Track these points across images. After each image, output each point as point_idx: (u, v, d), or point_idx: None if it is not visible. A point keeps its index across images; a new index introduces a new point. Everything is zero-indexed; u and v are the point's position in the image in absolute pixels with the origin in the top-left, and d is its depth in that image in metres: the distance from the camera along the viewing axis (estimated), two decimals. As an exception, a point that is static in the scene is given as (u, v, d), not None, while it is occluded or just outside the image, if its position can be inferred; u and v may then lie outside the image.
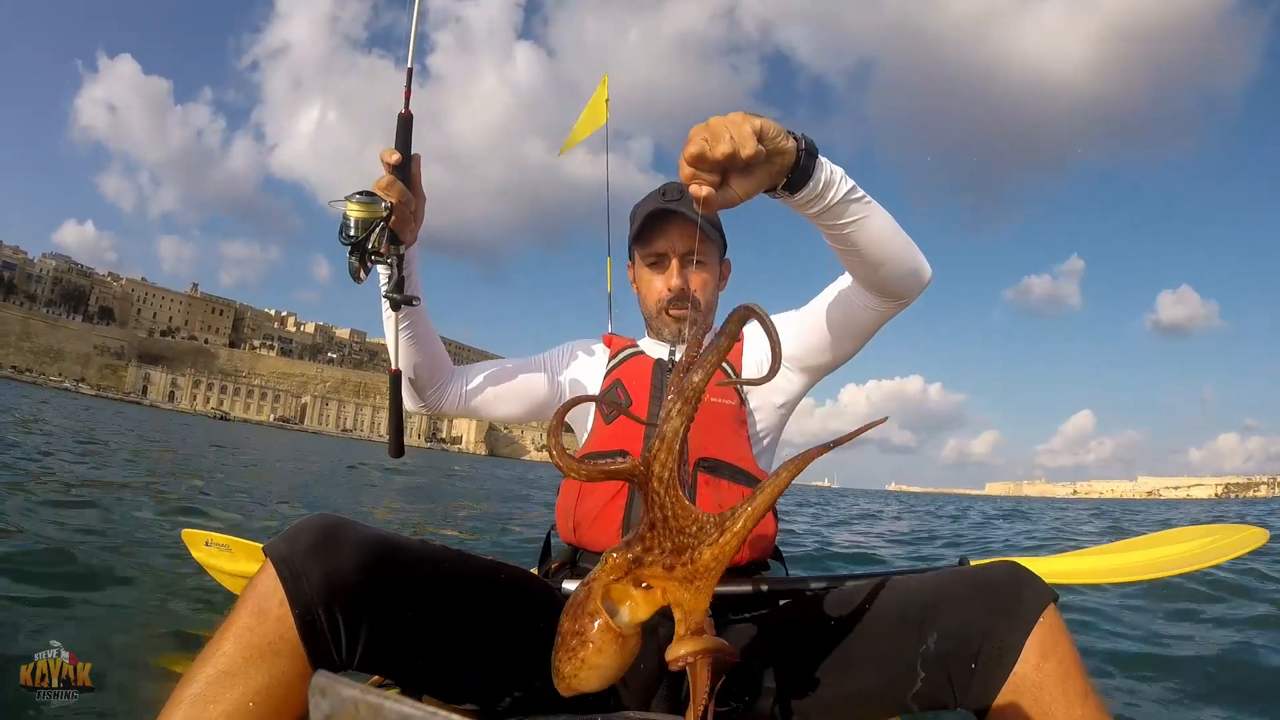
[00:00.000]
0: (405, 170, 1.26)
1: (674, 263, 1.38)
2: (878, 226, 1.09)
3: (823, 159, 0.99)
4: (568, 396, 1.47)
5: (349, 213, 1.19)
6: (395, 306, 1.30)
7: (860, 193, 1.05)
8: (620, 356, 1.44)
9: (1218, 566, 1.70)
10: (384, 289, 1.31)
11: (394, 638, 0.90)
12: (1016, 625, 0.83)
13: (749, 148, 0.85)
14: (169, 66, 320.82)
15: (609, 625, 0.68)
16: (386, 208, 1.21)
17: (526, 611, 1.04)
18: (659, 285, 1.41)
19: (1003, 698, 0.82)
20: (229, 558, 2.14)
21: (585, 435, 1.43)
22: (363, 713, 0.50)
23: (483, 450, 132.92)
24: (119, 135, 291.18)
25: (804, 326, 1.35)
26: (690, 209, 1.29)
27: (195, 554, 2.27)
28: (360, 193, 1.20)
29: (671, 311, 1.39)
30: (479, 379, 1.49)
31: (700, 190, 0.86)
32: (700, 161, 0.85)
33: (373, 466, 15.28)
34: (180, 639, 2.13)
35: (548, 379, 1.49)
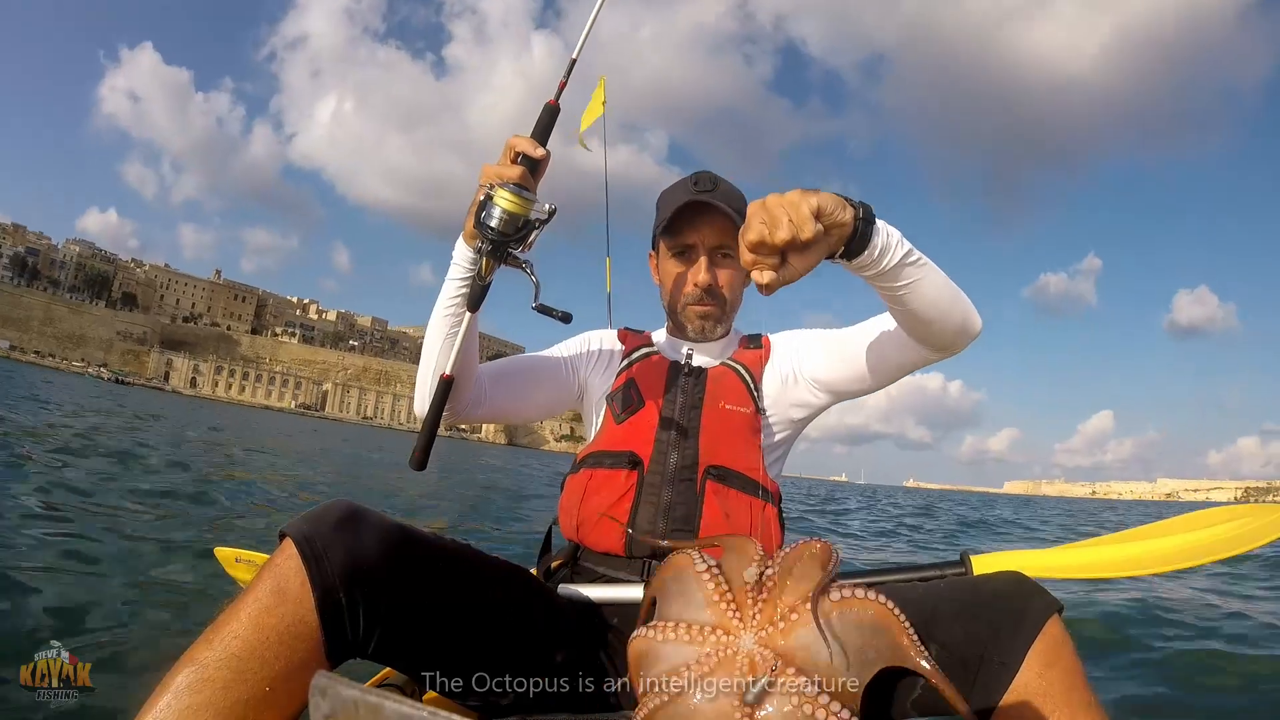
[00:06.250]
0: (536, 167, 1.12)
1: (703, 257, 1.33)
2: (932, 286, 1.07)
3: (880, 223, 0.97)
4: (586, 393, 1.44)
5: (497, 201, 1.06)
6: (474, 307, 1.16)
7: (916, 255, 1.03)
8: (634, 355, 1.40)
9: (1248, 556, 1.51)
10: (533, 302, 1.14)
11: (409, 628, 0.88)
12: (1019, 637, 0.83)
13: (808, 230, 0.84)
14: (189, 56, 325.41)
15: None
16: (550, 210, 1.09)
17: (528, 612, 1.03)
18: (685, 280, 1.35)
19: (1004, 707, 0.82)
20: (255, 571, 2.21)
21: (594, 432, 1.39)
22: (362, 713, 0.51)
23: (502, 439, 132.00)
24: (141, 123, 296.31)
25: (845, 351, 1.32)
26: (723, 201, 1.28)
27: (230, 571, 2.35)
28: (515, 184, 1.06)
29: (696, 309, 1.35)
30: (496, 381, 1.37)
31: (763, 277, 0.86)
32: (761, 248, 0.85)
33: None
34: (181, 638, 2.03)
35: (565, 376, 1.43)
